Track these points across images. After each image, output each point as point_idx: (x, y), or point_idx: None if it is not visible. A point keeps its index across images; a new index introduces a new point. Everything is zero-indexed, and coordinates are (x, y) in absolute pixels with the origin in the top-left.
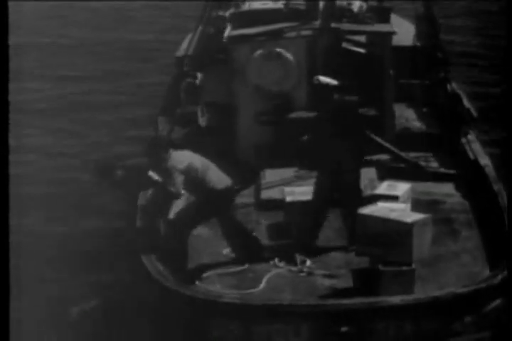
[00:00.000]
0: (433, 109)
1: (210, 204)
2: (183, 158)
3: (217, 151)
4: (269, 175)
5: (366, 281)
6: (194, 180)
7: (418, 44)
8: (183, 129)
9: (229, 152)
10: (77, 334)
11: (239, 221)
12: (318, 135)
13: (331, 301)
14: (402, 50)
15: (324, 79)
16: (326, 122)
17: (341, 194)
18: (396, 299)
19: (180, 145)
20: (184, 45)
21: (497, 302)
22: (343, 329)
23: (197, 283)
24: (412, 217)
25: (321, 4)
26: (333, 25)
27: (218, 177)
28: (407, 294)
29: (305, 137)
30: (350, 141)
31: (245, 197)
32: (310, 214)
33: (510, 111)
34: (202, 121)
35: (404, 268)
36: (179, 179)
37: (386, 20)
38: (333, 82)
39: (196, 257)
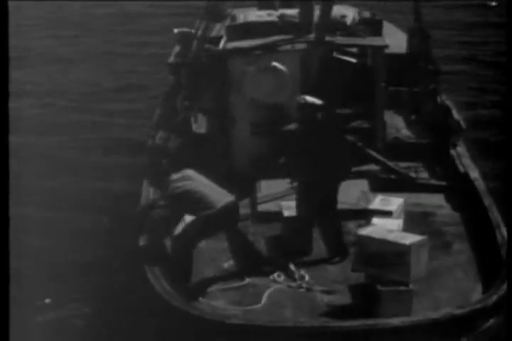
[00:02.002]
0: (421, 116)
1: (216, 222)
2: (181, 183)
3: (212, 160)
4: (265, 186)
5: (364, 299)
6: (195, 203)
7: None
8: (179, 138)
9: (224, 161)
10: None
11: (243, 234)
12: (301, 149)
13: (334, 323)
14: (393, 57)
15: (310, 98)
16: (308, 137)
17: (319, 206)
18: (396, 321)
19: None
20: (175, 52)
21: (492, 321)
22: None
23: (200, 298)
24: (409, 238)
25: (316, 17)
26: (326, 38)
27: (220, 196)
28: (404, 313)
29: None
30: (329, 156)
31: (241, 208)
32: (301, 228)
33: (509, 118)
34: (198, 127)
35: (402, 288)
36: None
37: (378, 32)
38: (318, 101)
39: (198, 271)
